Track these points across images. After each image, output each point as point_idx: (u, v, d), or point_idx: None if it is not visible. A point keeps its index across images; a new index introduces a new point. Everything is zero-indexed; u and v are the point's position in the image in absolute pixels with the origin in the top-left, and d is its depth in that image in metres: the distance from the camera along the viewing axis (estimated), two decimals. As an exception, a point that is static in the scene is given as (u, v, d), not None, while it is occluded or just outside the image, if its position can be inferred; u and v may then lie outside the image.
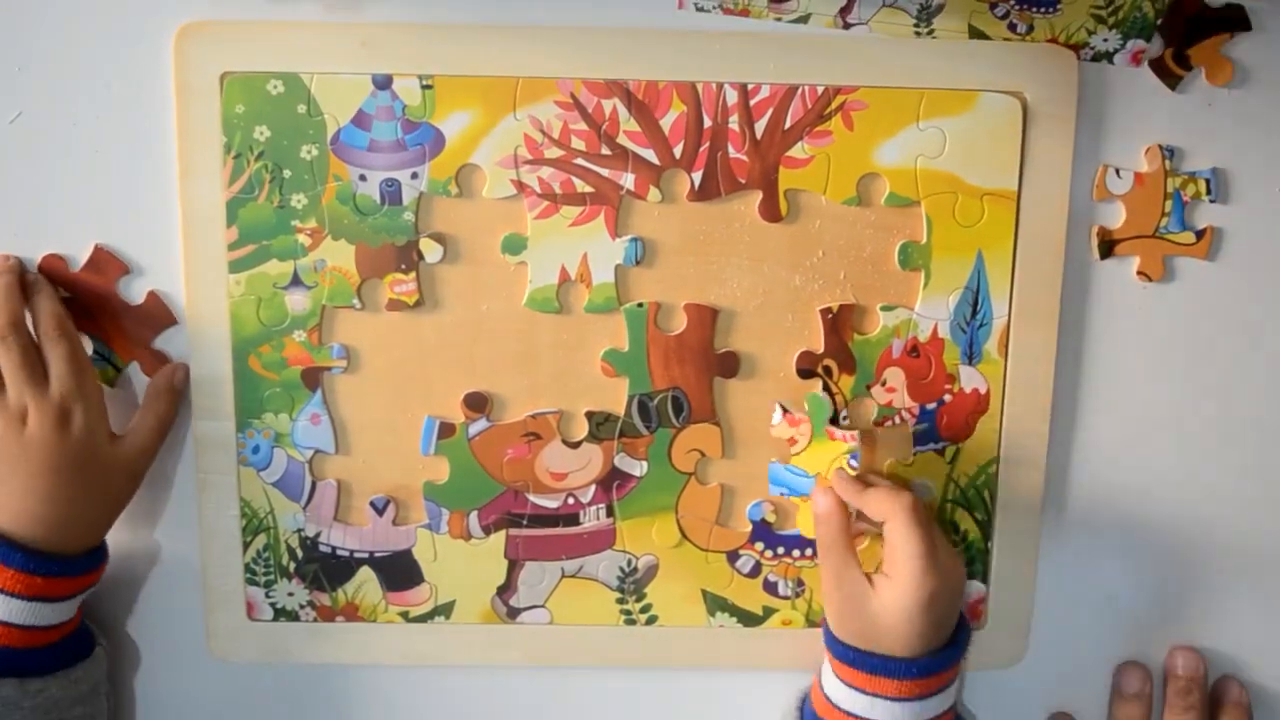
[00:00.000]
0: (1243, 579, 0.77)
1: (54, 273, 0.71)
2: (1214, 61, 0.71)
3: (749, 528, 0.75)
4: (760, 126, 0.70)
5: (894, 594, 0.67)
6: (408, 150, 0.70)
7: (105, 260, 0.71)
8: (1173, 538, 0.77)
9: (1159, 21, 0.70)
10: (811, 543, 0.74)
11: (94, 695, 0.71)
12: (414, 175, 0.70)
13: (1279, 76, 0.71)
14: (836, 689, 0.69)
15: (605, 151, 0.70)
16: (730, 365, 0.73)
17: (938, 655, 0.68)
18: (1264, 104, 0.71)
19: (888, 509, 0.67)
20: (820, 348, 0.72)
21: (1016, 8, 0.70)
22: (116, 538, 0.74)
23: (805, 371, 0.73)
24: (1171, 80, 0.71)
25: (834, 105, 0.70)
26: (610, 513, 0.74)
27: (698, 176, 0.70)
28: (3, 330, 0.67)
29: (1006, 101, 0.70)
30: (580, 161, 0.70)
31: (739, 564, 0.75)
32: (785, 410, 0.73)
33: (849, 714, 0.68)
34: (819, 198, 0.71)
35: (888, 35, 0.70)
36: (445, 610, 0.75)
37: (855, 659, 0.68)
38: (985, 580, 0.76)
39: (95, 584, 0.70)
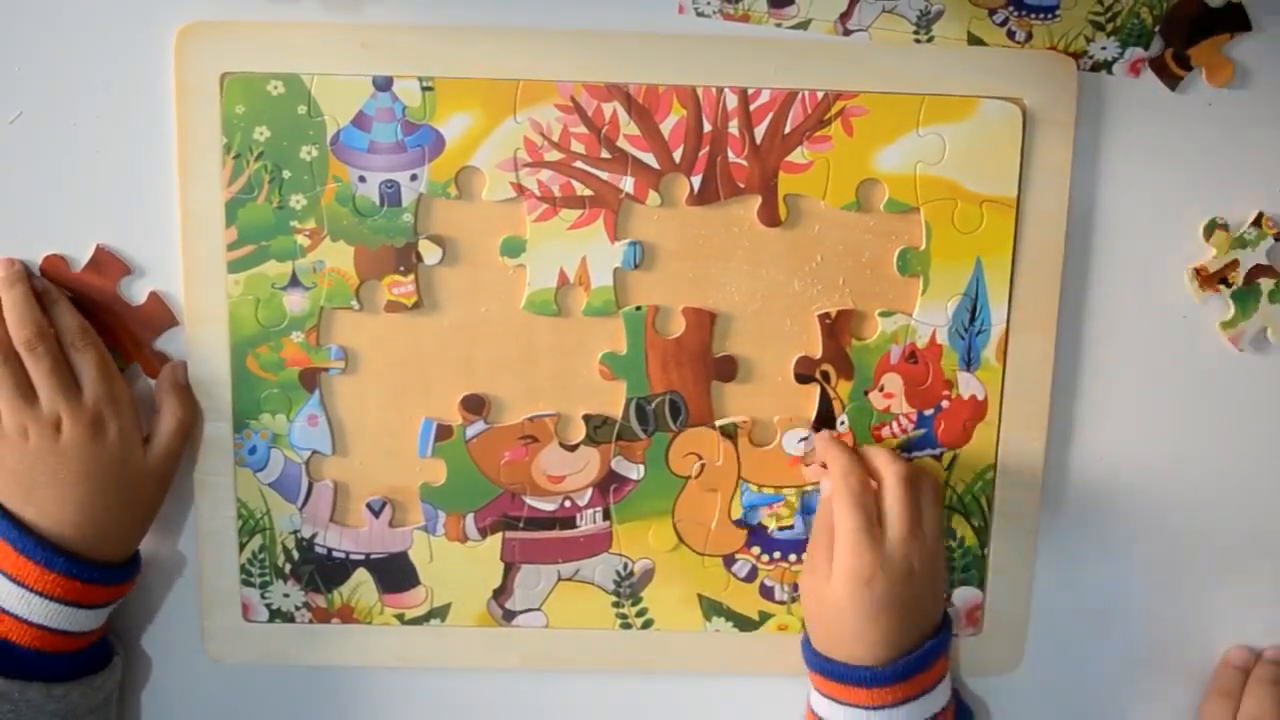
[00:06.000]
0: (1240, 583, 0.77)
1: (55, 273, 0.71)
2: (1214, 61, 0.71)
3: (745, 532, 0.75)
4: (760, 131, 0.70)
5: (837, 572, 0.67)
6: (407, 152, 0.70)
7: (107, 261, 0.71)
8: (1170, 543, 0.77)
9: (1157, 28, 0.70)
10: (806, 547, 0.75)
11: (107, 705, 0.71)
12: (413, 177, 0.70)
13: (1278, 77, 0.72)
14: (819, 702, 0.70)
15: (605, 155, 0.70)
16: (728, 369, 0.73)
17: (908, 657, 0.68)
18: (1263, 103, 0.72)
19: (833, 487, 0.69)
20: (818, 353, 0.72)
21: (1015, 15, 0.70)
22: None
23: (803, 376, 0.73)
24: (1171, 80, 0.71)
25: (834, 111, 0.70)
26: (607, 516, 0.74)
27: (697, 180, 0.70)
28: (31, 340, 0.67)
29: (1006, 108, 0.70)
30: (580, 165, 0.70)
31: (735, 568, 0.75)
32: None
33: None
34: (818, 203, 0.71)
35: (887, 42, 0.70)
36: (441, 613, 0.75)
37: (826, 668, 0.69)
38: (982, 586, 0.76)
39: (126, 594, 0.71)
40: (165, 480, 0.71)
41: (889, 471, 0.69)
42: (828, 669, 0.69)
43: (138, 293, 0.72)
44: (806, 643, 0.71)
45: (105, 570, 0.67)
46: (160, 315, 0.72)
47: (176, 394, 0.71)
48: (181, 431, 0.71)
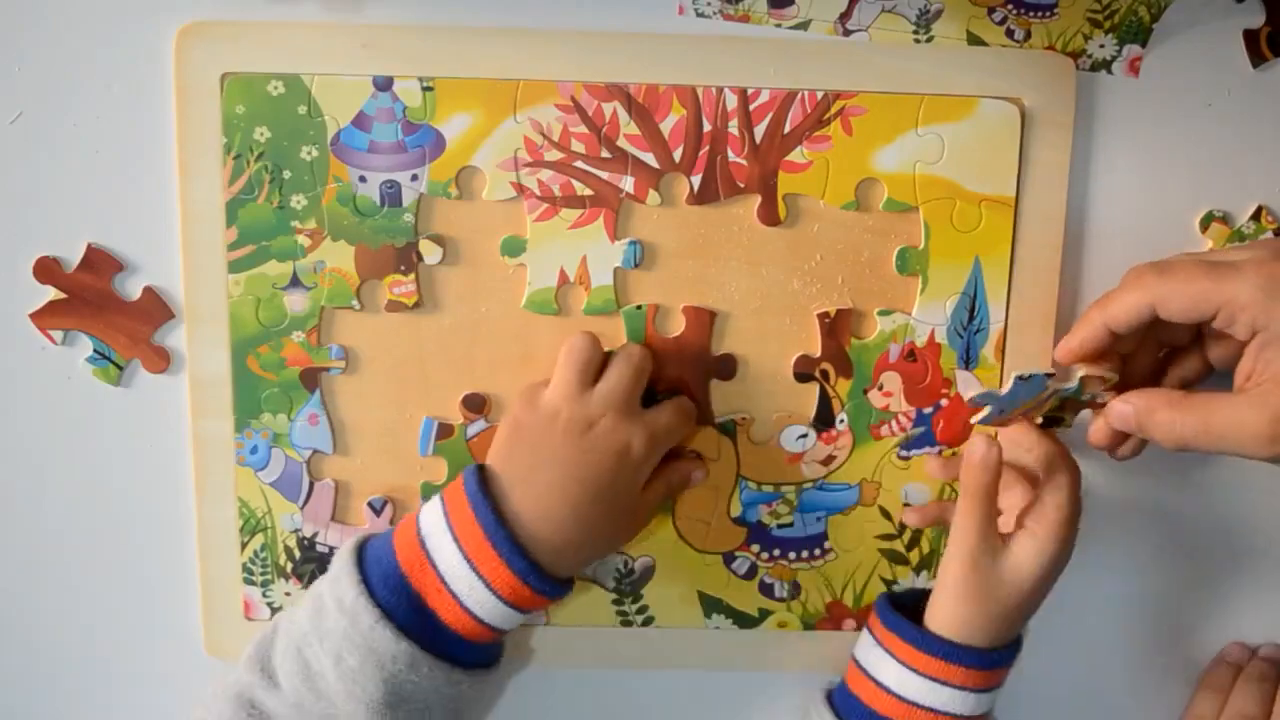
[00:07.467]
0: (1242, 578, 0.78)
1: (48, 273, 0.71)
2: None
3: (745, 530, 0.75)
4: (759, 131, 0.70)
5: (1032, 550, 0.66)
6: (408, 152, 0.70)
7: (99, 258, 0.71)
8: (1170, 538, 0.77)
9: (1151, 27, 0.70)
10: (806, 544, 0.75)
11: (482, 703, 0.71)
12: (414, 177, 0.70)
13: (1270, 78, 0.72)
14: (910, 682, 0.68)
15: (605, 154, 0.70)
16: (728, 368, 0.73)
17: (1014, 643, 0.70)
18: (1263, 103, 0.72)
19: (1063, 469, 0.68)
20: (818, 351, 0.73)
21: (1014, 13, 0.70)
22: (112, 535, 0.75)
23: (802, 375, 0.73)
24: (1255, 58, 0.71)
25: (833, 110, 0.70)
26: (607, 514, 0.74)
27: (697, 180, 0.70)
28: (642, 359, 0.70)
29: (1005, 108, 0.70)
30: (580, 164, 0.70)
31: (735, 565, 0.76)
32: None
33: (929, 710, 0.68)
34: (817, 202, 0.71)
35: (887, 41, 0.70)
36: (442, 611, 0.75)
37: (950, 654, 0.67)
38: (980, 584, 0.76)
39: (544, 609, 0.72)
40: (640, 524, 0.72)
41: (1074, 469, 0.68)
42: (953, 653, 0.68)
43: (133, 289, 0.72)
44: (912, 628, 0.69)
45: (551, 584, 0.65)
46: (156, 309, 0.72)
47: (682, 483, 0.73)
48: (677, 489, 0.73)
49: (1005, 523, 0.69)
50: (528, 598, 0.64)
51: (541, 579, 0.64)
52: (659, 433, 0.69)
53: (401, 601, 0.64)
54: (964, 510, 0.67)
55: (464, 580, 0.64)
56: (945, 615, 0.68)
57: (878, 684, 0.69)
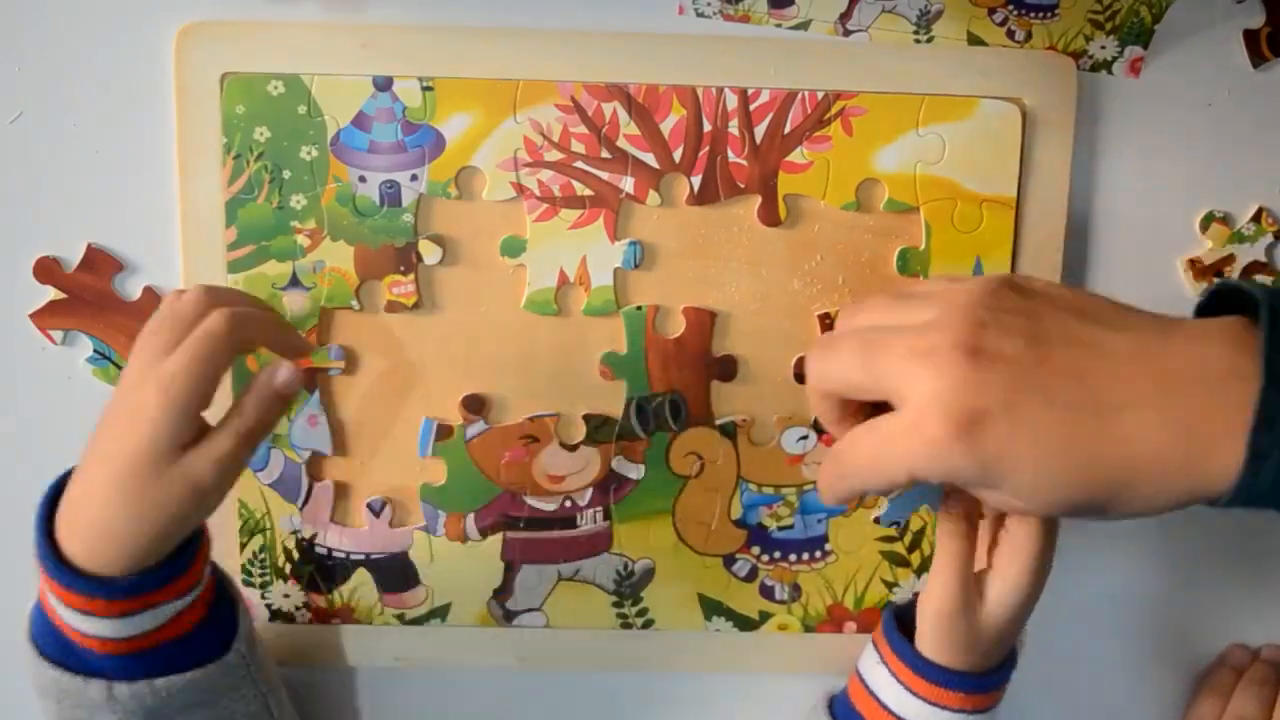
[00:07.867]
0: (1242, 579, 0.78)
1: (48, 273, 0.71)
2: None
3: (745, 532, 0.75)
4: (760, 131, 0.70)
5: (1005, 591, 0.64)
6: (407, 152, 0.70)
7: (99, 258, 0.71)
8: (1170, 540, 0.77)
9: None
10: (806, 546, 0.75)
11: (209, 704, 0.64)
12: (414, 177, 0.70)
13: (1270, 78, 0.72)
14: (908, 703, 0.68)
15: (605, 155, 0.70)
16: (728, 369, 0.73)
17: (1005, 668, 0.68)
18: (1264, 104, 0.72)
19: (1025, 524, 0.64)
20: (818, 352, 0.72)
21: (1015, 14, 0.70)
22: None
23: (803, 376, 0.73)
24: (1256, 58, 0.71)
25: (833, 111, 0.70)
26: (607, 516, 0.74)
27: (697, 180, 0.70)
28: (206, 303, 0.59)
29: (1006, 108, 0.70)
30: (580, 165, 0.70)
31: (735, 568, 0.75)
32: None
33: None
34: (818, 203, 0.71)
35: (887, 42, 0.70)
36: (441, 613, 0.75)
37: (948, 680, 0.67)
38: (981, 585, 0.76)
39: (163, 604, 0.59)
40: (199, 494, 0.57)
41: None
42: (949, 679, 0.66)
43: (134, 289, 0.72)
44: (910, 650, 0.68)
45: (104, 585, 0.56)
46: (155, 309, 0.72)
47: (257, 402, 0.59)
48: (237, 449, 0.58)
49: (980, 557, 0.66)
50: (103, 605, 0.57)
51: (81, 580, 0.56)
52: (175, 374, 0.56)
53: (48, 638, 0.60)
54: (938, 563, 0.66)
55: (47, 595, 0.59)
56: (929, 648, 0.68)
57: (879, 702, 0.69)
